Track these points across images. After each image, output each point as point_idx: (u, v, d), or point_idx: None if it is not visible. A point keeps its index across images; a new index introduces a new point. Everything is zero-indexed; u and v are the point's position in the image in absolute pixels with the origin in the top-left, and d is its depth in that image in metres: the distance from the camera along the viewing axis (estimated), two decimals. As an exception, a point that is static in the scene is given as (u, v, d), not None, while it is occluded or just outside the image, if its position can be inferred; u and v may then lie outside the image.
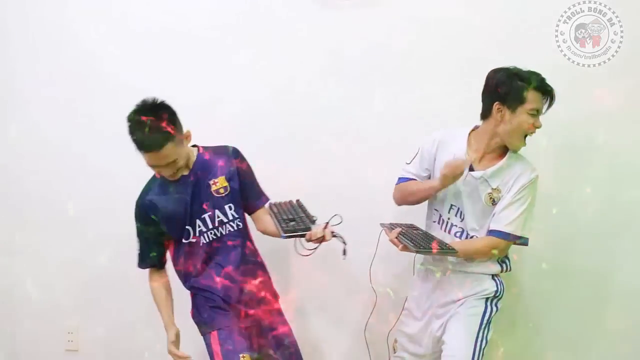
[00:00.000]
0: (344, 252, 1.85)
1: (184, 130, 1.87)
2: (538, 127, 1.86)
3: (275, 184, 2.34)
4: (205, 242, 1.93)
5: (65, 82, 2.42)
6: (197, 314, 1.97)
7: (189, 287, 1.99)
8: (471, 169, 1.90)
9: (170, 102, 1.85)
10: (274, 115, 2.36)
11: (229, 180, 1.95)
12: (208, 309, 1.92)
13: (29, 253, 2.52)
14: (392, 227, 1.94)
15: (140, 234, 1.96)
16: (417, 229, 1.96)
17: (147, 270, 2.01)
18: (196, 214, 1.91)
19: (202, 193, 1.91)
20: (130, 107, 1.85)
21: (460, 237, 1.94)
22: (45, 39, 2.42)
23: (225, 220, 1.94)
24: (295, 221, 1.87)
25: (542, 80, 1.85)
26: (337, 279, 2.38)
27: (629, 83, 2.18)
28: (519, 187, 1.86)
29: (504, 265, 1.96)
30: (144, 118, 1.77)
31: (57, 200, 2.48)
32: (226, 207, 1.94)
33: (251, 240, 2.04)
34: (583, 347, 2.30)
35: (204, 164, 1.94)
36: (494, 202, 1.89)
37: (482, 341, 1.87)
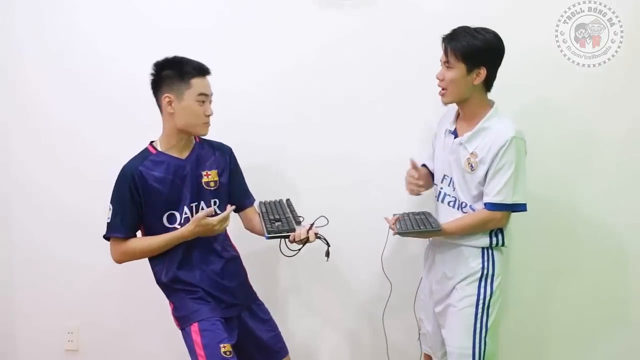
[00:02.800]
0: (327, 254, 1.87)
1: None
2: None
3: (275, 181, 2.36)
4: None
5: (69, 81, 2.43)
6: (178, 309, 1.91)
7: (169, 279, 1.90)
8: (456, 135, 1.90)
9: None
10: (273, 113, 2.36)
11: (220, 175, 1.95)
12: (188, 301, 1.88)
13: (29, 253, 2.52)
14: (400, 215, 1.96)
15: (119, 199, 1.85)
16: (423, 214, 1.94)
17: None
18: (183, 200, 1.88)
19: (193, 182, 1.89)
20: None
21: (453, 206, 1.90)
22: (53, 36, 2.42)
23: None
24: (280, 221, 1.87)
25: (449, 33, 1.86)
26: (351, 266, 2.39)
27: (629, 83, 2.19)
28: (497, 152, 1.77)
29: (495, 239, 1.87)
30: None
31: (57, 199, 2.48)
32: (211, 201, 1.92)
33: (227, 235, 2.03)
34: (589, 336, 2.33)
35: (199, 154, 1.93)
36: (472, 168, 1.83)
37: (481, 330, 1.83)
